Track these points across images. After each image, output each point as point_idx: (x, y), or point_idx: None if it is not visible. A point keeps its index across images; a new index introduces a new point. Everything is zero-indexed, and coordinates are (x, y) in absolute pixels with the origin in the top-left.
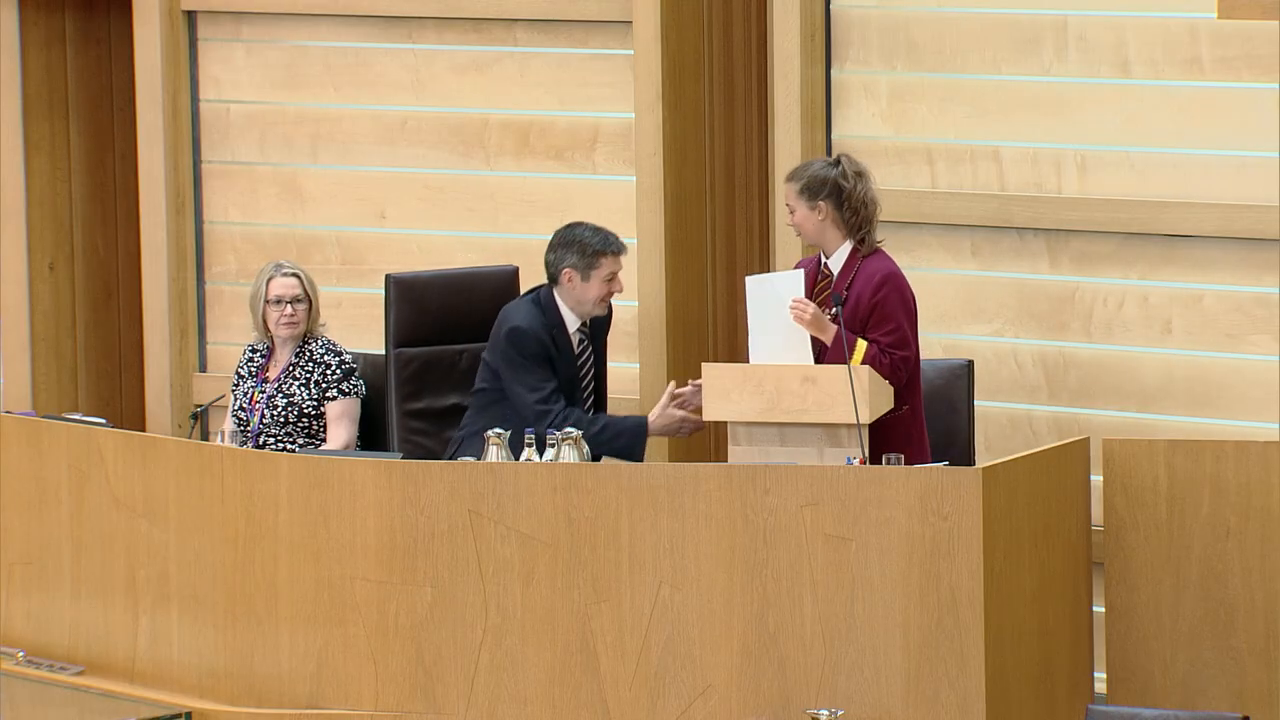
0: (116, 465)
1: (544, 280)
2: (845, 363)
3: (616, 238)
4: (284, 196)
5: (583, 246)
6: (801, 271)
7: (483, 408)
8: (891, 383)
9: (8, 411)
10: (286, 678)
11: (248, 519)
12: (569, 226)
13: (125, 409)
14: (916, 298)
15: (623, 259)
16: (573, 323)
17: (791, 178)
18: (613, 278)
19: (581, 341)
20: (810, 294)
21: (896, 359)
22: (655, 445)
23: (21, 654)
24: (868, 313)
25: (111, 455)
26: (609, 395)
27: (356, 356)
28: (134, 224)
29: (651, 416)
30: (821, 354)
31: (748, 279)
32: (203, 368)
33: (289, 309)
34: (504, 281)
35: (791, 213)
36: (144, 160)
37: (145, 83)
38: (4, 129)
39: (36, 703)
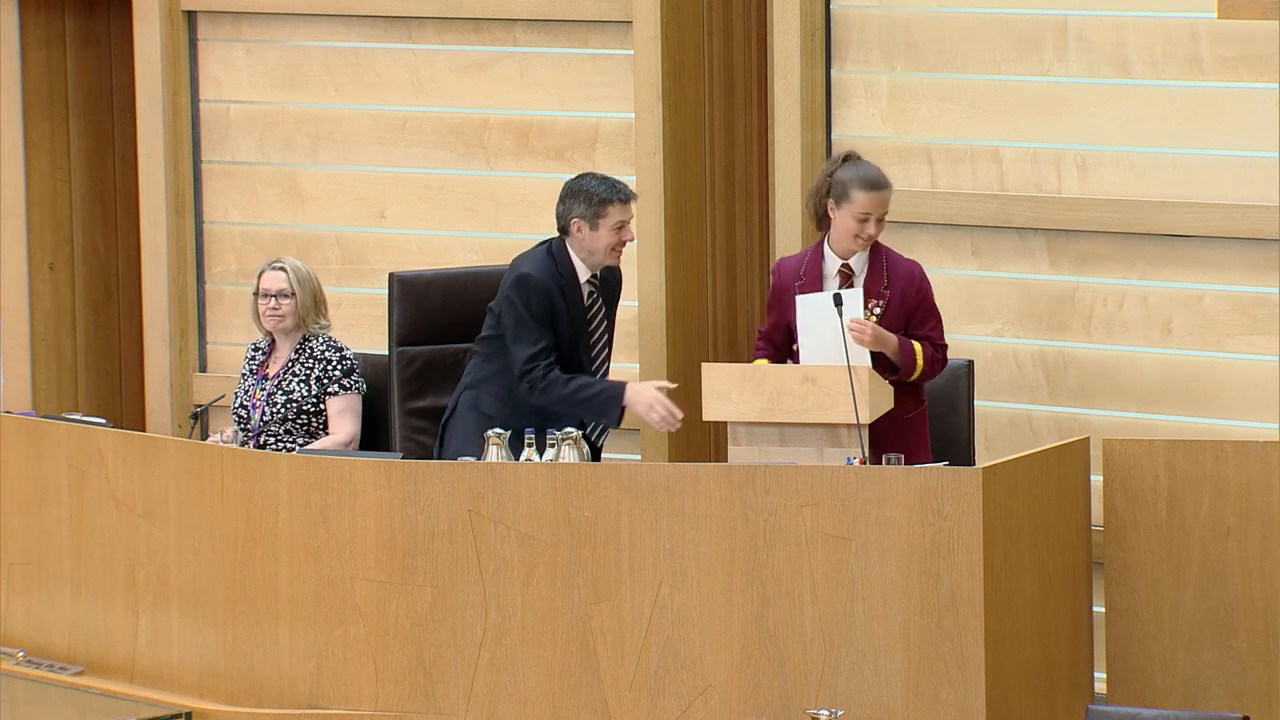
0: (116, 465)
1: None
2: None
3: (625, 186)
4: (284, 196)
5: (589, 196)
6: (860, 290)
7: (489, 356)
8: (933, 376)
9: (8, 411)
10: (286, 678)
11: (248, 519)
12: (578, 176)
13: (125, 409)
14: None
15: (632, 206)
16: (584, 273)
17: (889, 185)
18: (622, 226)
19: (592, 294)
20: (828, 287)
21: (944, 351)
22: (655, 445)
23: (21, 654)
24: (913, 309)
25: (111, 455)
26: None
27: (357, 356)
28: (134, 224)
29: (631, 384)
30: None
31: (798, 298)
32: (203, 368)
33: (273, 302)
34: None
35: (881, 220)
36: (144, 160)
37: (145, 83)
38: (4, 129)
39: (36, 703)
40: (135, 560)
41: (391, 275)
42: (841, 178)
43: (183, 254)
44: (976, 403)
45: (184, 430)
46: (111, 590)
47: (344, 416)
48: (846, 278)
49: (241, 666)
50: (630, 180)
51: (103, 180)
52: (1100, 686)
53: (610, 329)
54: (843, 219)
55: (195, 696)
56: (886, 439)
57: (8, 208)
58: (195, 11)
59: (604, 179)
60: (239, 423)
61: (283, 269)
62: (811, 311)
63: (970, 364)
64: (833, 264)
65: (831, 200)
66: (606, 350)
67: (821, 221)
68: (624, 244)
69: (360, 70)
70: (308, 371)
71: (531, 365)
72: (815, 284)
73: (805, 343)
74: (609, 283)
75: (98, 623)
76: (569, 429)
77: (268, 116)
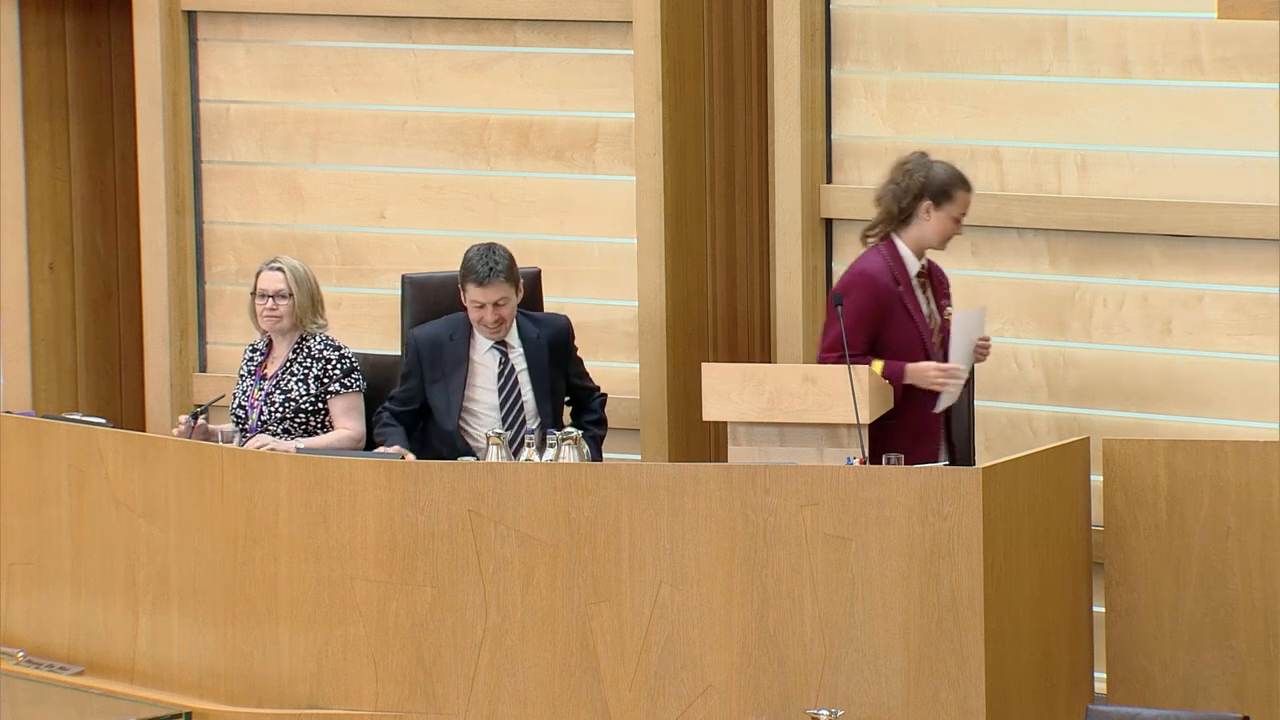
0: (116, 465)
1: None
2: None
3: (482, 266)
4: (284, 196)
5: (461, 267)
6: (983, 309)
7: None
8: None
9: (8, 411)
10: (286, 678)
11: (248, 519)
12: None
13: (125, 409)
14: None
15: (493, 289)
16: (483, 343)
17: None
18: (481, 306)
19: (503, 360)
20: (916, 289)
21: None
22: (655, 446)
23: (21, 654)
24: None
25: (111, 455)
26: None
27: (358, 356)
28: (134, 224)
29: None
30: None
31: (959, 316)
32: (203, 368)
33: (270, 303)
34: (525, 282)
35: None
36: (144, 160)
37: (145, 83)
38: (4, 129)
39: (36, 703)
40: (135, 560)
41: (404, 277)
42: (940, 178)
43: (183, 254)
44: (976, 403)
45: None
46: (111, 590)
47: (350, 415)
48: (924, 279)
49: (241, 666)
50: (629, 180)
51: (103, 180)
52: (1100, 686)
53: (548, 391)
54: (941, 220)
55: (195, 696)
56: (917, 436)
57: (8, 208)
58: (195, 11)
59: (479, 252)
60: (236, 423)
61: (280, 269)
62: (964, 328)
63: (970, 365)
64: (913, 265)
65: (929, 201)
66: (515, 414)
67: (904, 222)
68: (483, 321)
69: (360, 70)
70: (306, 371)
71: (381, 408)
72: (908, 289)
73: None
74: (537, 343)
75: (98, 623)
76: (569, 429)
77: (268, 116)
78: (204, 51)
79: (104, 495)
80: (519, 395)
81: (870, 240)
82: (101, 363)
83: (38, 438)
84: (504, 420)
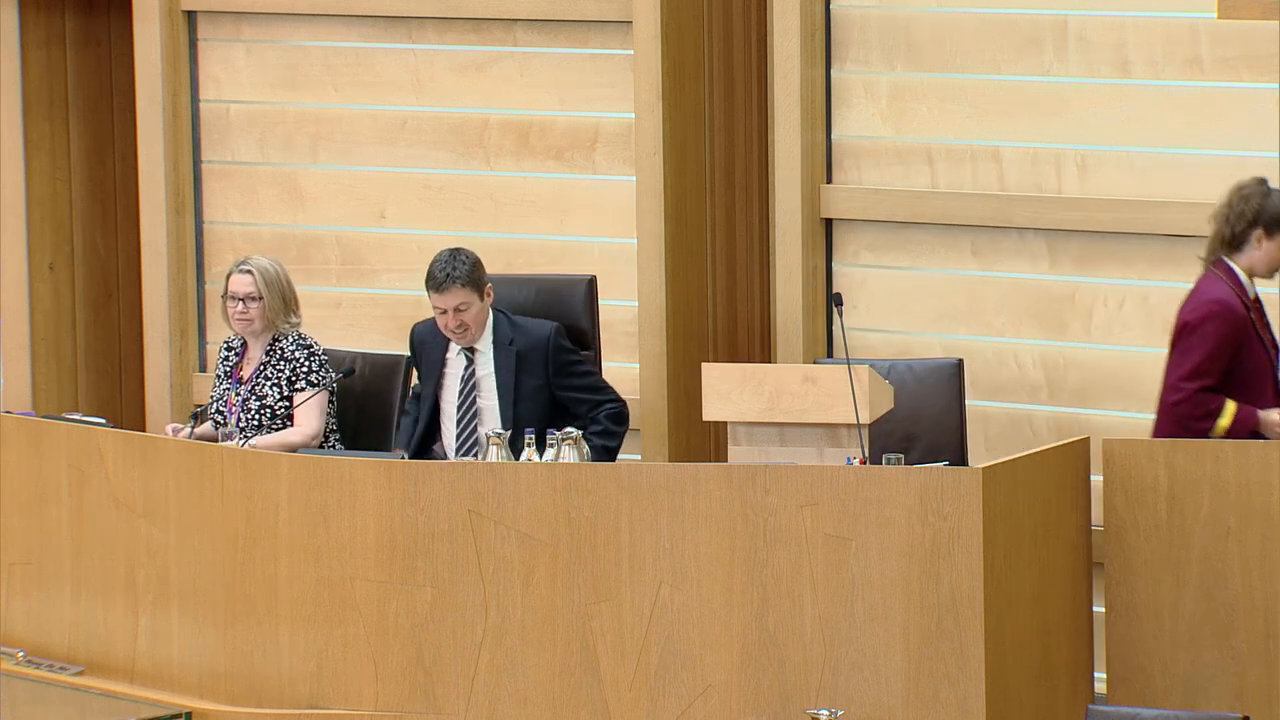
0: (116, 465)
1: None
2: None
3: (441, 272)
4: (284, 196)
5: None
6: None
7: None
8: None
9: (8, 411)
10: (286, 678)
11: (248, 519)
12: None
13: (125, 409)
14: (917, 298)
15: (450, 295)
16: (454, 347)
17: None
18: (443, 312)
19: (468, 366)
20: (1257, 323)
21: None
22: (655, 446)
23: (21, 654)
24: None
25: (111, 455)
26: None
27: (355, 356)
28: (134, 224)
29: None
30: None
31: None
32: (203, 368)
33: (241, 306)
34: (579, 289)
35: None
36: (144, 160)
37: (145, 83)
38: (4, 129)
39: (36, 703)
40: (135, 560)
41: None
42: (1276, 207)
43: (183, 254)
44: (976, 403)
45: None
46: (111, 590)
47: (307, 412)
48: (1256, 305)
49: (241, 666)
50: (629, 180)
51: (103, 180)
52: (1100, 686)
53: (511, 400)
54: (1272, 250)
55: (195, 696)
56: None
57: (8, 208)
58: (195, 11)
59: (445, 260)
60: (216, 426)
61: (250, 271)
62: None
63: (960, 363)
64: (1249, 290)
65: (1262, 229)
66: (469, 421)
67: (1236, 247)
68: (449, 328)
69: (360, 70)
70: (279, 375)
71: (404, 412)
72: (1258, 314)
73: None
74: (508, 350)
75: (98, 623)
76: (569, 429)
77: (268, 116)
78: (204, 51)
79: (104, 495)
80: (474, 401)
81: (1204, 260)
82: (101, 363)
83: (38, 438)
84: (458, 424)
